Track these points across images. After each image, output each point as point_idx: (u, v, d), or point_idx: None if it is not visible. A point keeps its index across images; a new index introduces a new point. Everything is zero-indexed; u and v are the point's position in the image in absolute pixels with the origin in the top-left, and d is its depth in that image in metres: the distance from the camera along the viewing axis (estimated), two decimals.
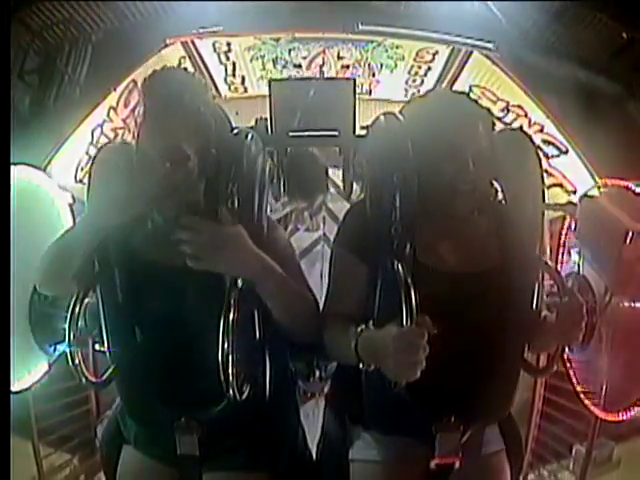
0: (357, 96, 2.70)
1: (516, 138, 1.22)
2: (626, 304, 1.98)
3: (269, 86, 1.50)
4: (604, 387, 2.11)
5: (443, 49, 3.28)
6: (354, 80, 1.68)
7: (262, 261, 1.12)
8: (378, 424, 1.25)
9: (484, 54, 3.18)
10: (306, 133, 1.52)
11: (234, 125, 1.27)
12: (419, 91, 3.49)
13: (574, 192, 3.00)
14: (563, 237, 2.37)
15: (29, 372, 1.96)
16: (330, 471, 1.34)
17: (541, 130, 3.11)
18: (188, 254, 1.05)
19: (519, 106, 3.15)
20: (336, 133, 1.53)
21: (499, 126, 1.23)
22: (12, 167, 1.87)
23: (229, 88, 3.50)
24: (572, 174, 3.03)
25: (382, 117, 1.23)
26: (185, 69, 1.24)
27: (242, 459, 1.27)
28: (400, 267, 1.07)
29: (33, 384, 1.98)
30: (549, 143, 3.10)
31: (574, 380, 2.24)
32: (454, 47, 3.26)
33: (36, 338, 1.93)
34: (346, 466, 1.29)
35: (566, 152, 3.04)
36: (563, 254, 2.36)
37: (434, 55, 3.33)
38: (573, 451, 2.62)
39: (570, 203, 2.24)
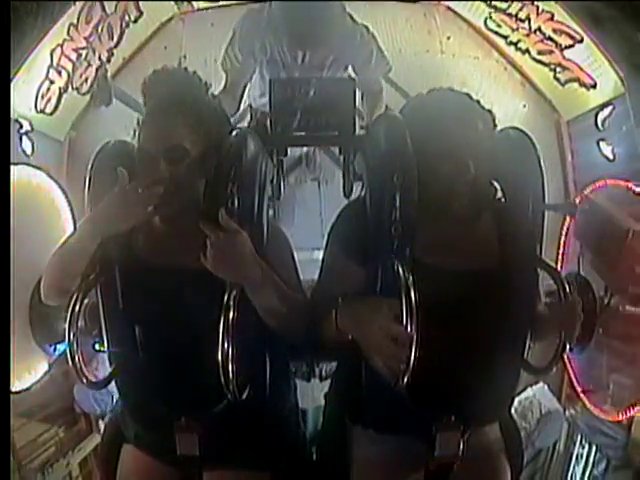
0: None
1: (516, 137, 1.21)
2: (626, 304, 1.98)
3: (269, 86, 1.49)
4: (604, 387, 2.11)
5: None
6: (354, 80, 1.67)
7: (259, 269, 1.11)
8: (378, 423, 1.25)
9: None
10: (306, 133, 1.52)
11: (232, 121, 1.27)
12: None
13: (593, 86, 2.73)
14: (563, 237, 2.38)
15: (29, 372, 1.97)
16: (330, 471, 1.34)
17: (551, 18, 2.83)
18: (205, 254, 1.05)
19: None
20: (336, 133, 1.52)
21: (500, 121, 1.21)
22: (12, 167, 1.88)
23: None
24: (589, 65, 2.74)
25: (383, 117, 1.23)
26: (185, 69, 1.24)
27: (242, 459, 1.27)
28: (400, 267, 1.07)
29: (33, 384, 1.98)
30: (561, 32, 2.81)
31: (574, 380, 2.24)
32: None
33: (36, 338, 1.93)
34: (346, 466, 1.29)
35: (581, 41, 2.74)
36: (563, 254, 2.36)
37: None
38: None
39: (570, 203, 2.23)
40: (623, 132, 2.49)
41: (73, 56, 2.85)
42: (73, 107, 3.00)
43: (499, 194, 1.24)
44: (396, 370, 1.01)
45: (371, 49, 1.95)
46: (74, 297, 1.13)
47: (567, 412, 2.67)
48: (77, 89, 2.96)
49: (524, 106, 3.15)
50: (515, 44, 3.07)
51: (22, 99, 2.64)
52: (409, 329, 0.99)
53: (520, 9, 2.94)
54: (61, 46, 2.78)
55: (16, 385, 1.90)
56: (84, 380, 1.15)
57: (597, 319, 1.93)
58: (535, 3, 2.87)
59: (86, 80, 2.99)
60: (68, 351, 1.12)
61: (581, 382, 2.23)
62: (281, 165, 1.63)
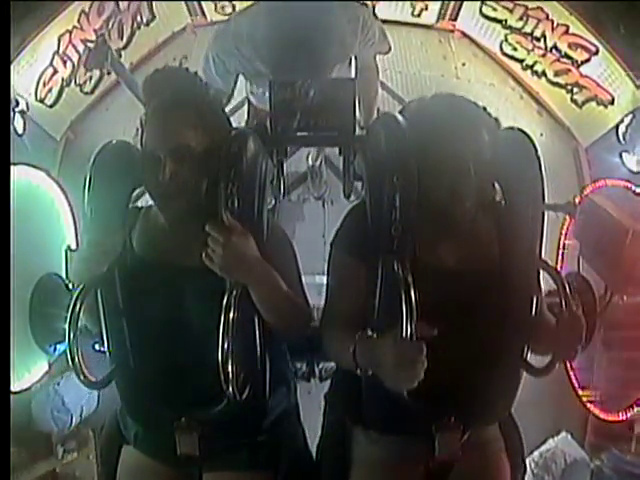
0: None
1: (517, 138, 1.21)
2: (626, 304, 1.98)
3: (269, 86, 1.50)
4: (604, 386, 2.12)
5: None
6: (354, 80, 1.67)
7: (263, 269, 1.12)
8: (378, 424, 1.25)
9: None
10: (306, 133, 1.52)
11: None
12: (427, 7, 3.18)
13: (611, 102, 2.69)
14: (563, 237, 2.38)
15: (29, 372, 1.97)
16: (330, 471, 1.34)
17: (566, 32, 2.80)
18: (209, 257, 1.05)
19: (539, 8, 2.84)
20: (336, 133, 1.52)
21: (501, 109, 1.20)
22: (12, 167, 1.87)
23: (215, 8, 3.19)
24: (606, 78, 2.71)
25: (382, 117, 1.23)
26: (186, 69, 1.24)
27: (242, 459, 1.27)
28: (400, 266, 1.07)
29: (33, 384, 1.98)
30: (577, 46, 2.78)
31: (574, 380, 2.24)
32: None
33: (36, 338, 1.93)
34: (346, 466, 1.29)
35: (596, 52, 2.71)
36: (563, 254, 2.36)
37: None
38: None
39: (570, 203, 2.22)
40: None
41: (80, 47, 2.74)
42: (73, 105, 2.91)
43: (499, 194, 1.24)
44: (407, 386, 1.01)
45: (374, 30, 1.87)
46: (74, 297, 1.13)
47: (592, 463, 2.44)
48: (80, 86, 2.85)
49: (541, 135, 3.09)
50: (531, 67, 3.04)
51: (23, 81, 2.55)
52: (408, 329, 0.99)
53: (536, 26, 2.91)
54: (70, 33, 2.67)
55: (16, 385, 1.90)
56: (84, 380, 1.15)
57: (597, 319, 1.93)
58: (550, 17, 2.82)
59: (90, 79, 2.89)
60: (68, 351, 1.12)
61: (581, 382, 2.23)
62: (281, 165, 1.63)
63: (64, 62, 2.73)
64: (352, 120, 1.51)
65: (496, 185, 1.22)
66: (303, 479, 1.35)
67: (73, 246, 2.12)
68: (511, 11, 2.99)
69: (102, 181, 1.18)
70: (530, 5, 2.90)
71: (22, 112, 2.55)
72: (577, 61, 2.82)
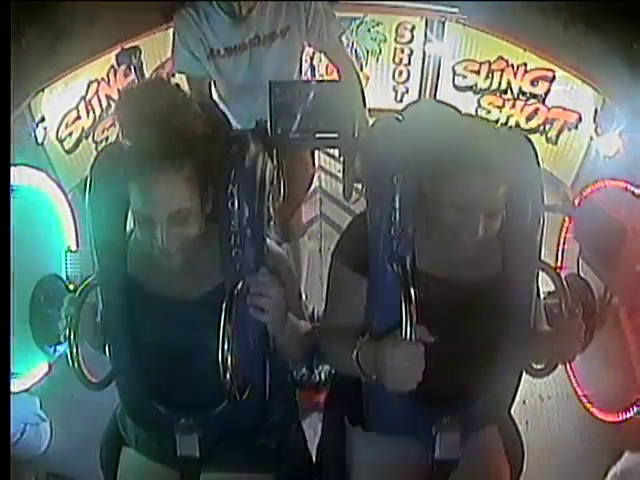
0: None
1: (514, 139, 1.20)
2: (625, 304, 1.98)
3: (269, 87, 1.50)
4: (603, 386, 2.12)
5: (418, 22, 3.31)
6: (353, 82, 1.67)
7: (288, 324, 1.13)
8: (378, 425, 1.25)
9: (454, 20, 3.19)
10: (306, 135, 1.52)
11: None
12: (407, 90, 3.51)
13: (580, 119, 2.82)
14: (563, 238, 2.38)
15: (29, 373, 1.96)
16: (330, 472, 1.35)
17: (526, 70, 2.97)
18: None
19: (500, 58, 3.06)
20: (336, 135, 1.52)
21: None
22: (12, 168, 1.87)
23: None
24: (569, 97, 2.86)
25: (382, 118, 1.23)
26: (161, 91, 1.15)
27: (242, 460, 1.27)
28: (400, 268, 1.07)
29: (33, 385, 1.98)
30: (538, 80, 2.94)
31: (573, 380, 2.24)
32: (427, 18, 3.27)
33: (36, 339, 1.93)
34: (345, 467, 1.29)
35: (554, 77, 2.89)
36: (563, 255, 2.36)
37: (412, 31, 3.34)
38: None
39: (570, 204, 2.22)
40: (615, 126, 2.54)
41: (104, 102, 2.74)
42: (86, 162, 2.75)
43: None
44: (406, 388, 1.01)
45: (318, 14, 1.86)
46: (74, 298, 1.13)
47: None
48: (97, 144, 2.83)
49: None
50: (505, 124, 3.17)
51: (54, 109, 2.56)
52: (409, 330, 0.99)
53: (501, 78, 3.10)
54: (98, 83, 2.68)
55: (16, 386, 1.90)
56: (85, 381, 1.15)
57: (597, 320, 1.94)
58: (510, 63, 3.02)
59: (106, 139, 2.85)
60: (68, 352, 1.12)
61: (580, 382, 2.23)
62: (281, 167, 1.63)
63: (87, 111, 2.72)
64: (352, 122, 1.52)
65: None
66: None
67: (73, 247, 2.12)
68: (478, 72, 3.18)
69: (102, 183, 1.18)
70: (492, 59, 3.10)
71: (45, 128, 2.55)
72: (541, 95, 2.98)
